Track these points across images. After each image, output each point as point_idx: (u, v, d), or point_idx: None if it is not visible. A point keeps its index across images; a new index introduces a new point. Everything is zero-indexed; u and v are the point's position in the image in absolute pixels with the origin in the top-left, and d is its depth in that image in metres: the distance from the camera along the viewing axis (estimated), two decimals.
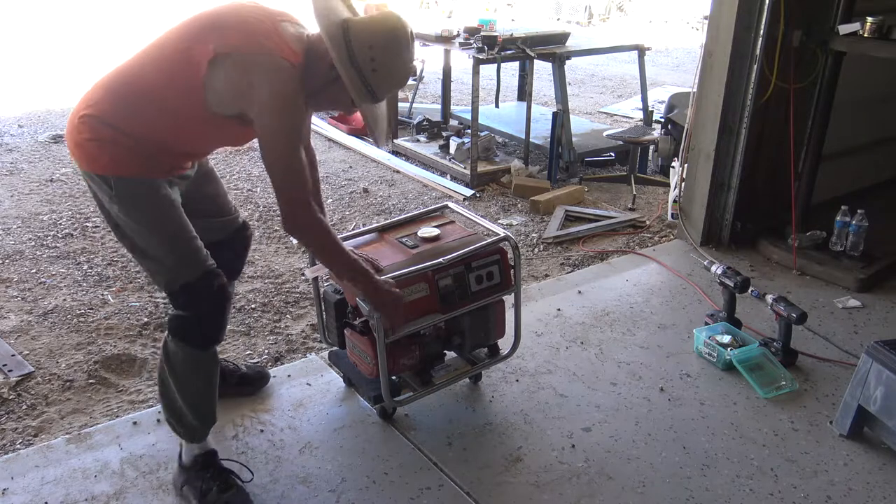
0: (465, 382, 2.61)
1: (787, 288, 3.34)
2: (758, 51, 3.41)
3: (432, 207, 2.69)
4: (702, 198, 3.74)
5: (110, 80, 1.92)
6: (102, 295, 3.32)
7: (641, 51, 5.44)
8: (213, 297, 1.98)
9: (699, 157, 3.73)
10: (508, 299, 2.50)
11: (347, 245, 2.37)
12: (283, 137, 1.84)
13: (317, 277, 2.52)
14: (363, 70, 1.84)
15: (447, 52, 5.66)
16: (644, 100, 5.59)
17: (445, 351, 2.49)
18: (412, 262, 2.25)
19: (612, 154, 5.45)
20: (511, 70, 6.50)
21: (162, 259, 1.96)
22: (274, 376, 2.67)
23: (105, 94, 1.89)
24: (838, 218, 3.49)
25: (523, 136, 5.13)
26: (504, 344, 2.58)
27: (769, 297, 2.79)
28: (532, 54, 4.81)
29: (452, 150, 5.09)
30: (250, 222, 4.08)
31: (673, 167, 4.18)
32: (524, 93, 5.45)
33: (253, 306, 3.25)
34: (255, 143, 1.96)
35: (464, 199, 4.58)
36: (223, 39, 1.82)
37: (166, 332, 2.03)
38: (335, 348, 2.57)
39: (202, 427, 2.10)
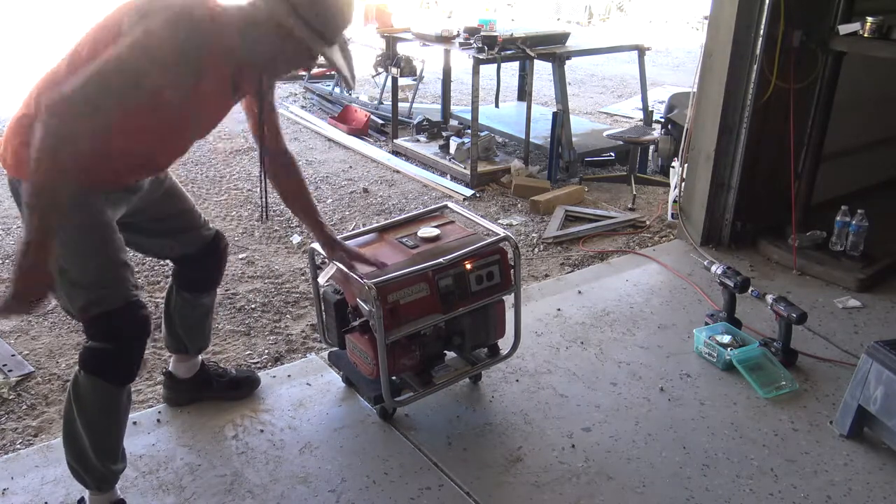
0: (465, 382, 2.61)
1: (787, 288, 3.34)
2: (758, 51, 3.41)
3: (432, 207, 2.69)
4: (702, 198, 3.74)
5: (48, 77, 1.74)
6: None
7: (641, 51, 5.44)
8: (135, 329, 1.86)
9: (699, 157, 3.73)
10: (508, 299, 2.50)
11: (347, 245, 2.38)
12: (112, 71, 1.57)
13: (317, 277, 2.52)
14: (308, 18, 1.67)
15: (447, 52, 5.66)
16: (644, 100, 5.59)
17: (445, 351, 2.49)
18: (412, 262, 2.25)
19: (612, 154, 5.45)
20: (511, 70, 6.50)
21: (82, 281, 1.80)
22: (273, 376, 2.67)
23: (45, 91, 1.69)
24: (838, 218, 3.49)
25: (523, 136, 5.13)
26: (504, 344, 2.58)
27: (769, 297, 2.79)
28: (532, 54, 4.81)
29: (452, 150, 5.09)
30: (251, 223, 4.12)
31: (673, 167, 4.18)
32: (524, 93, 5.45)
33: (253, 306, 3.25)
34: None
35: (464, 199, 4.58)
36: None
37: (77, 366, 1.88)
38: (335, 348, 2.57)
39: (111, 474, 1.97)
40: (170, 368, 2.48)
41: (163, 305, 2.40)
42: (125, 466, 2.03)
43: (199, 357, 2.49)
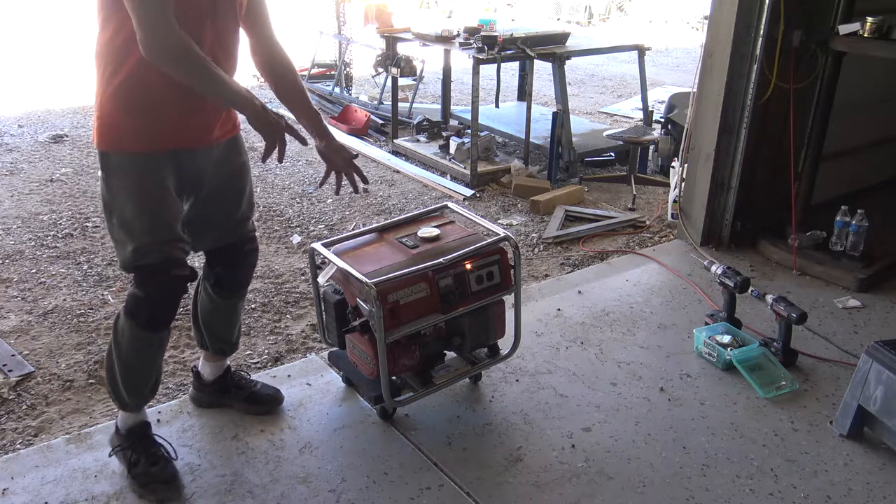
0: (465, 382, 2.61)
1: (787, 288, 3.34)
2: (758, 51, 3.41)
3: (432, 207, 2.69)
4: (702, 198, 3.74)
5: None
6: (102, 295, 3.32)
7: (641, 51, 5.44)
8: (167, 285, 2.02)
9: (699, 157, 3.73)
10: (508, 299, 2.50)
11: (347, 245, 2.38)
12: None
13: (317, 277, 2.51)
14: None
15: (447, 52, 5.66)
16: (644, 100, 5.59)
17: (445, 351, 2.49)
18: (412, 262, 2.25)
19: (612, 154, 5.45)
20: (511, 70, 6.50)
21: (132, 233, 1.96)
22: (273, 376, 2.67)
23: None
24: (838, 218, 3.49)
25: (523, 136, 5.13)
26: (504, 344, 2.58)
27: (769, 297, 2.79)
28: (532, 54, 4.81)
29: (452, 150, 5.09)
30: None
31: (673, 167, 4.18)
32: (524, 93, 5.45)
33: (253, 306, 3.25)
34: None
35: (464, 199, 4.58)
36: None
37: (123, 305, 2.08)
38: (335, 348, 2.57)
39: (132, 403, 2.15)
40: (198, 367, 2.48)
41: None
42: (151, 399, 2.21)
43: (226, 362, 2.47)
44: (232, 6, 1.95)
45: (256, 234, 2.33)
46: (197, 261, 2.98)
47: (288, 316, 3.21)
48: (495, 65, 4.75)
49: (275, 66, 2.14)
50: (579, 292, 3.33)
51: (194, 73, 1.82)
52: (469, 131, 5.01)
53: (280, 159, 1.99)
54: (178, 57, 1.78)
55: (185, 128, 1.98)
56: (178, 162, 2.00)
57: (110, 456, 2.20)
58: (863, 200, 3.66)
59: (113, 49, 1.85)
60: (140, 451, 2.14)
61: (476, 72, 4.71)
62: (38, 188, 4.58)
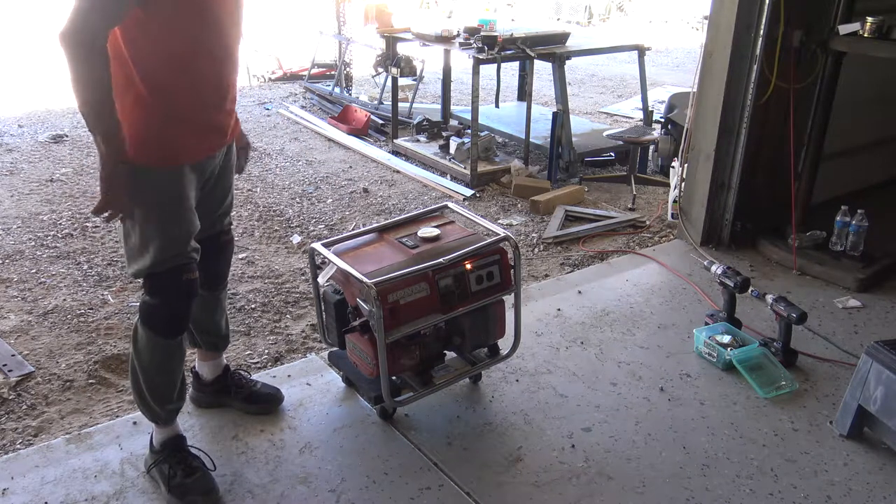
0: (465, 382, 2.61)
1: (787, 288, 3.34)
2: (758, 51, 3.41)
3: (432, 207, 2.69)
4: (702, 198, 3.74)
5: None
6: (102, 295, 3.32)
7: (641, 51, 5.44)
8: (176, 289, 2.02)
9: (699, 157, 3.73)
10: (508, 299, 2.50)
11: (347, 245, 2.38)
12: None
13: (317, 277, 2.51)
14: None
15: (447, 52, 5.66)
16: (644, 100, 5.59)
17: (445, 351, 2.49)
18: (412, 262, 2.25)
19: (612, 154, 5.45)
20: (511, 70, 6.50)
21: (145, 245, 1.96)
22: (273, 376, 2.67)
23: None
24: (838, 218, 3.49)
25: (523, 136, 5.13)
26: (504, 344, 2.58)
27: (769, 297, 2.79)
28: (532, 54, 4.81)
29: (452, 150, 5.09)
30: (251, 223, 4.12)
31: (673, 167, 4.18)
32: (524, 93, 5.45)
33: (253, 306, 3.25)
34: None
35: (464, 199, 4.58)
36: None
37: (137, 316, 2.09)
38: (335, 348, 2.57)
39: (163, 413, 2.14)
40: (196, 367, 2.49)
41: None
42: (180, 406, 2.19)
43: (223, 360, 2.48)
44: (239, 9, 1.99)
45: (232, 226, 2.37)
46: None
47: (288, 316, 3.21)
48: (495, 65, 4.75)
49: None
50: (579, 292, 3.33)
51: (88, 67, 1.70)
52: (469, 131, 5.01)
53: (109, 220, 1.93)
54: (85, 44, 1.68)
55: (208, 138, 2.02)
56: (200, 170, 2.04)
57: (147, 474, 2.18)
58: (863, 200, 3.65)
59: (134, 61, 1.83)
60: (175, 463, 2.12)
61: (476, 72, 4.71)
62: (38, 188, 4.58)
